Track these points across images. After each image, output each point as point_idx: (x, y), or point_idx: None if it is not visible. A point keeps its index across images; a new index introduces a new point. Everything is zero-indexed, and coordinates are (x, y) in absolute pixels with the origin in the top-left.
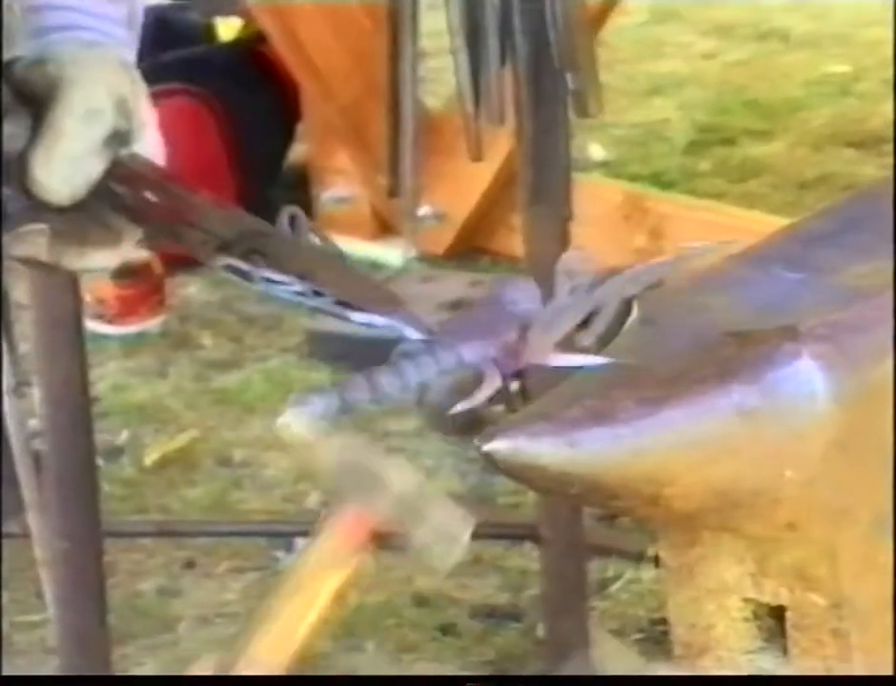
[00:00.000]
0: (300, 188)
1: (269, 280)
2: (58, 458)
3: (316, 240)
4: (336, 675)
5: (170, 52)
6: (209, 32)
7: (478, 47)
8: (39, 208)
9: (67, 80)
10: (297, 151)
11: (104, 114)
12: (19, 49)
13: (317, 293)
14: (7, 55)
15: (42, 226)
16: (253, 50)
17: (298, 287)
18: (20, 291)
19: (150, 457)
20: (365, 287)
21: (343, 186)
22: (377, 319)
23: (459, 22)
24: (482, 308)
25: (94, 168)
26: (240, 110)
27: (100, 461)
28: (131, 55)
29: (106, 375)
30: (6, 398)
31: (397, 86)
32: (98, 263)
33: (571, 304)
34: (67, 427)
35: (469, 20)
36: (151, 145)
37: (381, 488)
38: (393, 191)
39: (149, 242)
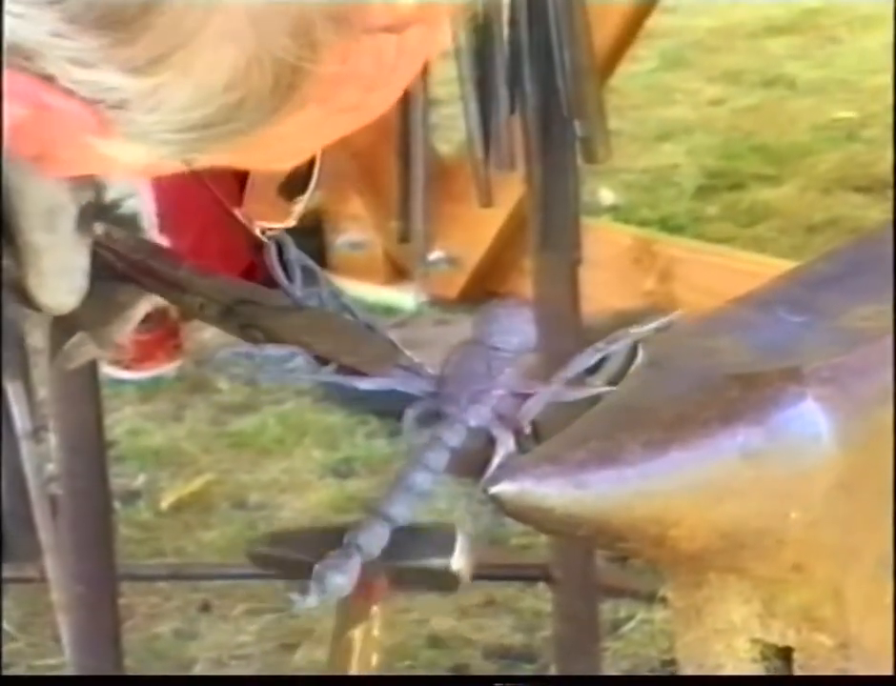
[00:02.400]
0: (314, 233)
1: (273, 359)
2: (74, 502)
3: (307, 263)
4: (338, 676)
5: None
6: None
7: (488, 94)
8: (67, 321)
9: (12, 190)
10: (311, 198)
11: (65, 205)
12: None
13: (319, 360)
14: None
15: (80, 335)
16: None
17: (301, 360)
18: (36, 336)
19: (166, 501)
20: (363, 343)
21: (357, 231)
22: (381, 383)
23: (469, 70)
24: (474, 351)
25: (83, 257)
26: None
27: (117, 505)
28: None
29: (122, 420)
30: (23, 443)
31: (408, 133)
32: (139, 316)
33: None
34: (82, 471)
35: (479, 68)
36: (143, 202)
37: None
38: (404, 237)
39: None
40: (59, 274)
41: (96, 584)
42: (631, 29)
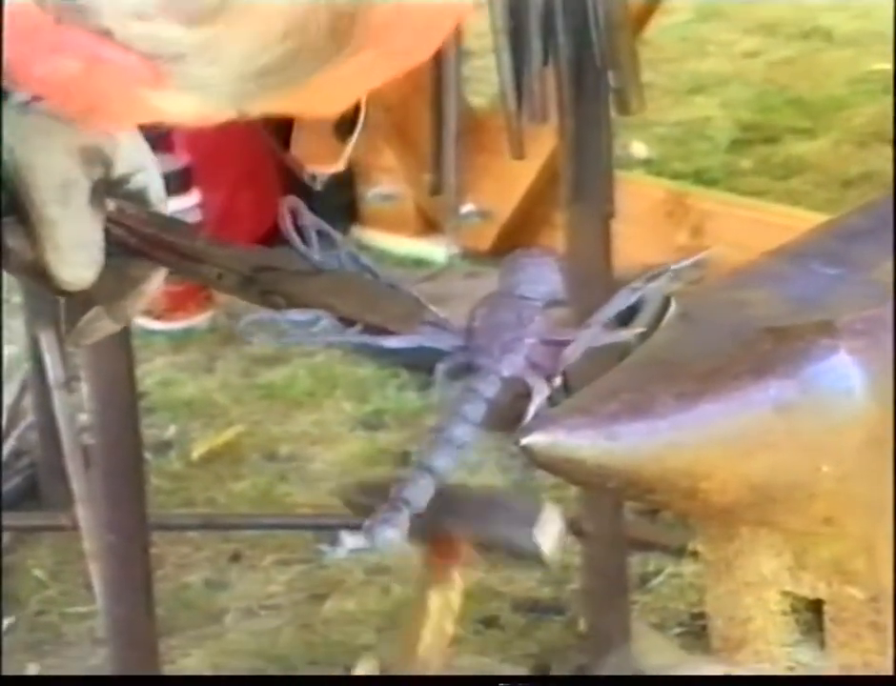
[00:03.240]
0: (346, 185)
1: (297, 323)
2: (106, 452)
3: (322, 227)
4: (340, 675)
5: None
6: None
7: (521, 46)
8: (81, 297)
9: (24, 166)
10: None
11: (77, 179)
12: None
13: (344, 321)
14: None
15: (95, 309)
16: None
17: (326, 322)
18: None
19: (197, 452)
20: (387, 301)
21: (388, 184)
22: (409, 340)
23: (502, 22)
24: (502, 302)
25: (97, 231)
26: None
27: (148, 455)
28: None
29: (154, 371)
30: (56, 393)
31: (441, 86)
32: (154, 288)
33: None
34: (114, 421)
35: (512, 20)
36: (152, 176)
37: None
38: (436, 189)
39: (174, 275)
40: (76, 248)
41: (128, 533)
42: None
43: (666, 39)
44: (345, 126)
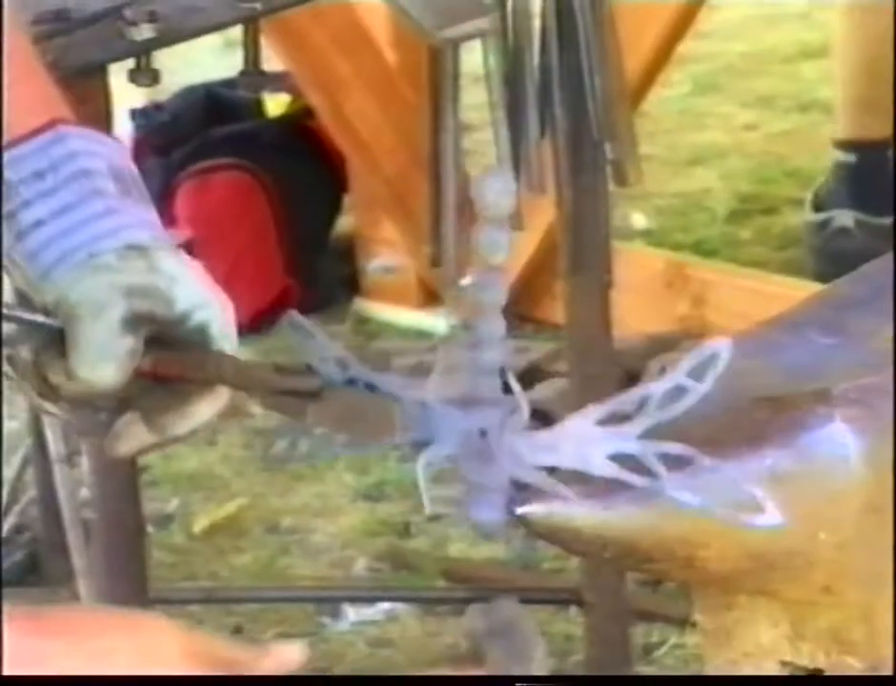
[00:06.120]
0: (348, 258)
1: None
2: (107, 526)
3: (325, 339)
4: (344, 676)
5: (220, 128)
6: (258, 108)
7: (518, 118)
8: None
9: (65, 300)
10: (345, 223)
11: (113, 302)
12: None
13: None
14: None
15: (130, 414)
16: (300, 124)
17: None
18: None
19: (199, 525)
20: (368, 415)
21: (389, 256)
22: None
23: (499, 94)
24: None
25: (127, 345)
26: (289, 183)
27: (150, 529)
28: (142, 234)
29: None
30: (57, 468)
31: (439, 157)
32: (204, 415)
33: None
34: (115, 495)
35: (509, 92)
36: (217, 318)
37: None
38: (435, 261)
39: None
40: (95, 347)
41: (129, 608)
42: (663, 53)
43: (665, 112)
44: None
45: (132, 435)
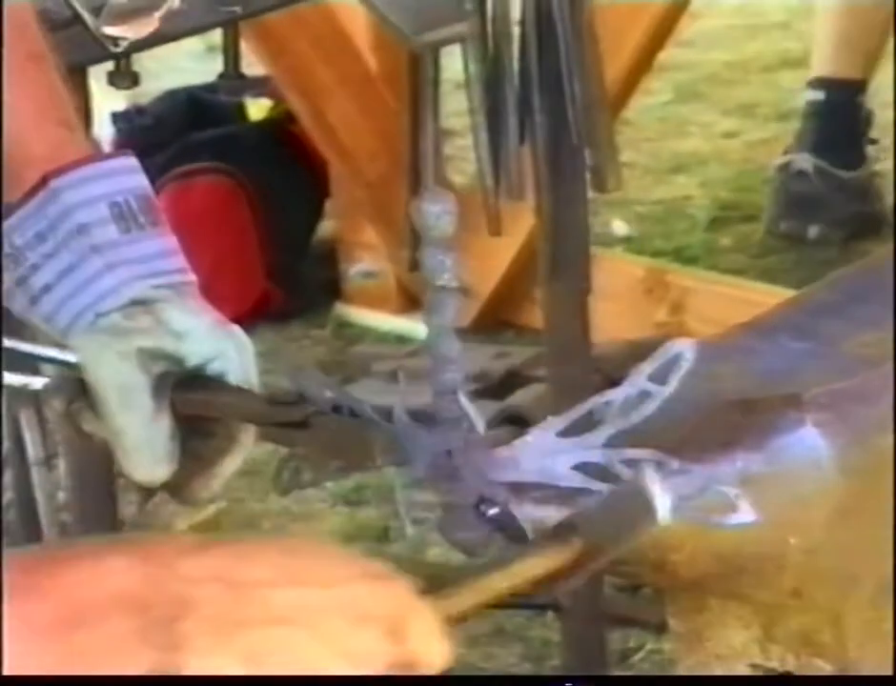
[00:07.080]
0: (329, 263)
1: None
2: (84, 529)
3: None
4: (339, 676)
5: (201, 132)
6: (240, 113)
7: (498, 124)
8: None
9: (86, 370)
10: (326, 227)
11: (135, 381)
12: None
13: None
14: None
15: (160, 494)
16: (282, 129)
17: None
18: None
19: (177, 529)
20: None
21: (370, 261)
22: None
23: (479, 100)
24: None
25: (165, 429)
26: (270, 187)
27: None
28: (145, 287)
29: None
30: (34, 470)
31: (420, 163)
32: (227, 472)
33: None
34: (92, 499)
35: (489, 98)
36: (233, 366)
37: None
38: (415, 266)
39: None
40: (140, 449)
41: None
42: (644, 60)
43: (647, 119)
44: None
45: (165, 512)
